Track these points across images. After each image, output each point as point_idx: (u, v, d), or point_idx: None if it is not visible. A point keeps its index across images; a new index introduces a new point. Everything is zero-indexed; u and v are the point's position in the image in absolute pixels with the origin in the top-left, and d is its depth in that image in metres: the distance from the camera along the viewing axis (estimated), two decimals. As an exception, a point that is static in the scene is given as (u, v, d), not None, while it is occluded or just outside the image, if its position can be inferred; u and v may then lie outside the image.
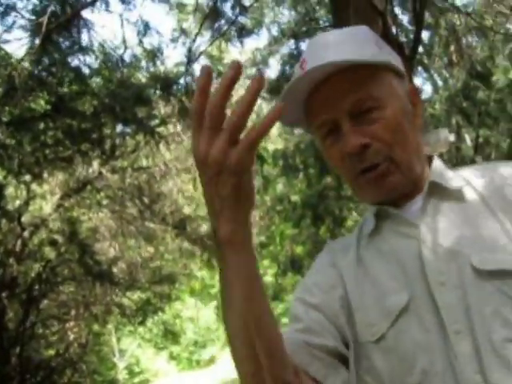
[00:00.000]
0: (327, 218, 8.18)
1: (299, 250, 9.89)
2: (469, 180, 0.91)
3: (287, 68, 7.73)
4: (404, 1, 7.13)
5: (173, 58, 8.47)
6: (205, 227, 9.50)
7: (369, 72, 0.87)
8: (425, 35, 7.76)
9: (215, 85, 0.62)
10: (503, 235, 0.82)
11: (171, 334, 15.30)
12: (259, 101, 10.43)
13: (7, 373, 7.58)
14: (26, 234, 8.04)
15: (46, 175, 7.48)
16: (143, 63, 7.42)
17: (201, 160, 0.64)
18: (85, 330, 9.83)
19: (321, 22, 7.82)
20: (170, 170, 8.97)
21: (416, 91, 0.96)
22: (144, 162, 8.69)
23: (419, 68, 8.03)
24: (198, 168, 0.66)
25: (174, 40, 7.85)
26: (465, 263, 0.81)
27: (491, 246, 0.81)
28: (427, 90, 9.17)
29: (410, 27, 7.16)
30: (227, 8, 7.23)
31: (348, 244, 0.97)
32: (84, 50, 6.18)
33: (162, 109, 7.29)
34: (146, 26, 6.99)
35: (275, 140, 10.59)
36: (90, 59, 6.52)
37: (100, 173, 7.96)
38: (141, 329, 13.12)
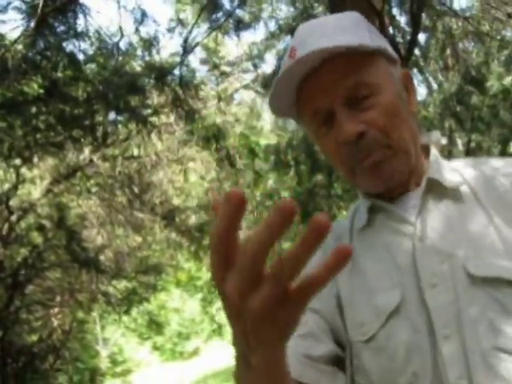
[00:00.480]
0: (316, 216, 8.18)
1: (287, 246, 9.90)
2: (463, 175, 0.89)
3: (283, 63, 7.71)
4: (402, 2, 7.14)
5: (169, 47, 8.44)
6: (193, 219, 9.50)
7: (361, 58, 0.84)
8: (421, 38, 7.80)
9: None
10: (498, 240, 0.80)
11: (155, 325, 15.32)
12: (253, 95, 10.42)
13: (-11, 357, 7.55)
14: (13, 218, 7.99)
15: (36, 160, 7.43)
16: (139, 52, 7.38)
17: (234, 306, 0.49)
18: (69, 316, 9.80)
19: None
20: (161, 160, 8.94)
21: (409, 76, 0.93)
22: (135, 151, 8.65)
23: (414, 70, 8.05)
24: (224, 305, 0.51)
25: (170, 30, 7.81)
26: (458, 266, 0.79)
27: (486, 252, 0.79)
28: (421, 92, 9.19)
29: (407, 29, 7.17)
30: (225, 0, 7.22)
31: (340, 235, 0.95)
32: (79, 36, 6.12)
33: (156, 98, 7.26)
34: (143, 15, 6.95)
35: (267, 135, 10.61)
36: (85, 45, 6.47)
37: (91, 160, 7.92)
38: (125, 318, 13.09)
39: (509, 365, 0.74)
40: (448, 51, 7.91)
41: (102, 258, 9.26)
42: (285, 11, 8.41)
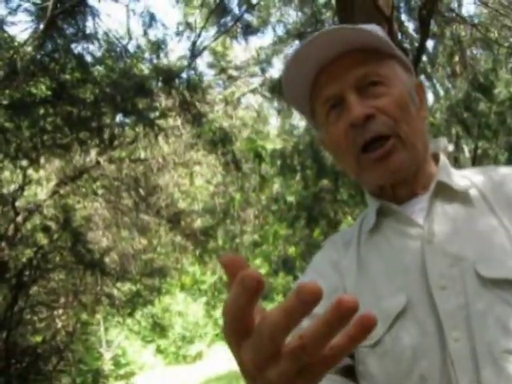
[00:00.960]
0: (321, 221, 8.18)
1: (292, 250, 9.90)
2: (472, 180, 0.89)
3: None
4: (411, 9, 7.14)
5: (177, 51, 8.48)
6: (199, 222, 9.51)
7: (377, 56, 0.86)
8: (429, 44, 7.78)
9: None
10: (508, 242, 0.79)
11: (159, 328, 15.28)
12: (260, 99, 10.42)
13: (-8, 357, 7.57)
14: (19, 218, 8.01)
15: (42, 161, 7.46)
16: (147, 55, 7.41)
17: (250, 374, 0.47)
18: (73, 318, 9.80)
19: (326, 24, 7.81)
20: (167, 163, 8.95)
21: (422, 87, 0.95)
22: (142, 154, 8.68)
23: (422, 76, 8.03)
24: (240, 368, 0.49)
25: (178, 33, 7.83)
26: (468, 269, 0.78)
27: (496, 254, 0.79)
28: (429, 98, 9.18)
29: (415, 35, 7.17)
30: (234, 4, 7.24)
31: (349, 239, 0.94)
32: (88, 38, 6.15)
33: (163, 101, 7.28)
34: (152, 18, 6.99)
35: (274, 139, 10.60)
36: (93, 47, 6.50)
37: (97, 162, 7.93)
38: (129, 321, 13.10)
39: None
40: (456, 58, 7.89)
41: (106, 260, 9.27)
42: (293, 16, 8.44)
